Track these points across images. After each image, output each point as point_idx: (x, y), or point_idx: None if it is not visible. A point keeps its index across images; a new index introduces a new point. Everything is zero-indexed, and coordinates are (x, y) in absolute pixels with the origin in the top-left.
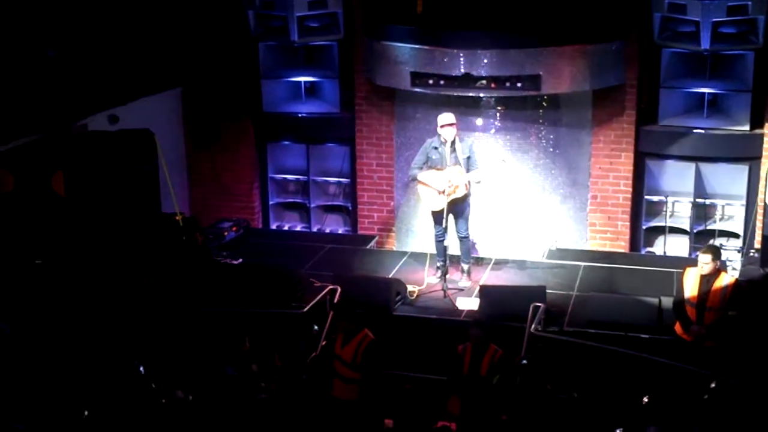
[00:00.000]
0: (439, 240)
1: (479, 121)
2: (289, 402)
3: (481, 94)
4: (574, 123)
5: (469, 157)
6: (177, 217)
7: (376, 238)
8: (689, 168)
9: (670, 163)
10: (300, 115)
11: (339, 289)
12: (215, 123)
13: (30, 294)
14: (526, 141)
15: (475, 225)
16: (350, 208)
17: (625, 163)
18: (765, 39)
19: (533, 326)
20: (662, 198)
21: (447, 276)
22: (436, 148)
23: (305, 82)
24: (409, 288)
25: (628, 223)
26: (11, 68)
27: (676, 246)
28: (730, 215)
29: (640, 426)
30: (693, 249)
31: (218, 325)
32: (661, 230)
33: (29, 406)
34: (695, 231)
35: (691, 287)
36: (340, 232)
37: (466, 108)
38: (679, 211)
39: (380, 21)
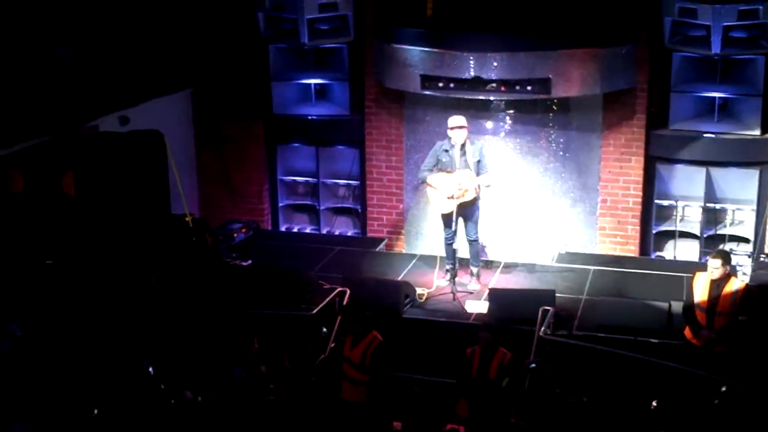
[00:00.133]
0: (449, 243)
1: (489, 125)
2: (297, 404)
3: (491, 98)
4: (585, 126)
5: (479, 161)
6: (187, 219)
7: (386, 241)
8: (700, 172)
9: (680, 167)
10: (310, 117)
11: (348, 292)
12: (225, 125)
13: (40, 294)
14: (536, 144)
15: (484, 228)
16: (359, 210)
17: (635, 167)
18: None
19: (542, 330)
20: (672, 202)
21: (456, 279)
22: (446, 150)
23: (315, 84)
24: (418, 291)
25: (638, 228)
26: (22, 69)
27: (686, 250)
28: (741, 220)
29: (650, 430)
30: (703, 254)
31: (227, 327)
32: (671, 235)
33: (39, 406)
34: (705, 236)
35: (701, 292)
36: (349, 234)
37: (476, 111)
38: (690, 216)
39: (390, 24)
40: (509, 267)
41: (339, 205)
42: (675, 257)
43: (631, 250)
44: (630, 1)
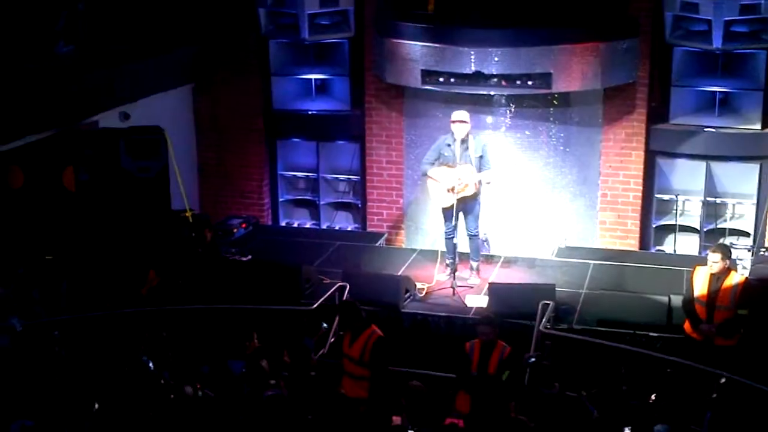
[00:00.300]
0: (449, 237)
1: (490, 119)
2: (297, 399)
3: (492, 92)
4: (585, 121)
5: (481, 156)
6: (187, 214)
7: (386, 236)
8: (700, 167)
9: (680, 161)
10: (310, 112)
11: (348, 287)
12: (226, 120)
13: (40, 289)
14: (536, 139)
15: (485, 222)
16: (360, 205)
17: (635, 162)
18: None
19: (542, 324)
20: (673, 196)
21: (456, 273)
22: (448, 145)
23: (315, 79)
24: (419, 285)
25: (638, 222)
26: (22, 64)
27: (686, 244)
28: (741, 214)
29: (649, 425)
30: (703, 248)
31: (227, 322)
32: (671, 229)
33: (38, 402)
34: (705, 230)
35: (700, 286)
36: (349, 229)
37: (477, 106)
38: (690, 210)
39: (391, 18)
40: (509, 261)
41: (339, 200)
42: (675, 251)
43: (631, 244)
44: None
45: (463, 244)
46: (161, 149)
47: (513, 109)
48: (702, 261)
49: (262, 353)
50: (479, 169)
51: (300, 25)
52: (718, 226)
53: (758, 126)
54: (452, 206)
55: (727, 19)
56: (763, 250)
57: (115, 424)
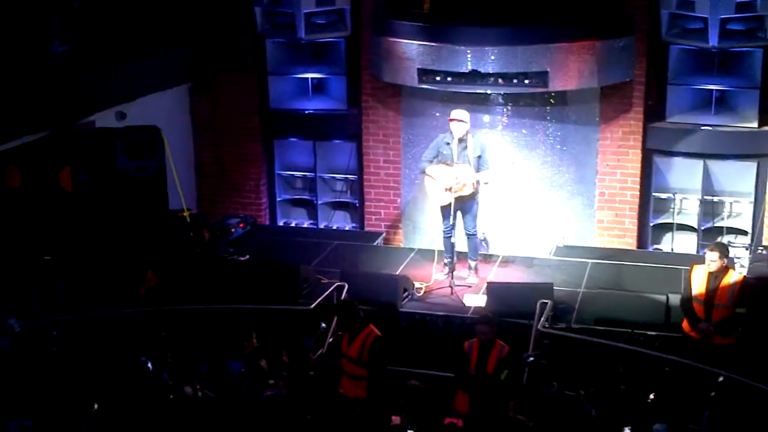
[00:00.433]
0: (447, 236)
1: (486, 118)
2: (296, 399)
3: (489, 91)
4: (582, 120)
5: (480, 156)
6: (184, 214)
7: (383, 235)
8: (697, 165)
9: (677, 160)
10: (307, 111)
11: (346, 286)
12: (222, 119)
13: (38, 290)
14: (533, 138)
15: (482, 222)
16: (357, 204)
17: (632, 160)
18: None
19: (540, 323)
20: (670, 195)
21: (454, 272)
22: (447, 143)
23: (312, 78)
24: (416, 285)
25: (635, 220)
26: (19, 64)
27: (683, 243)
28: (738, 212)
29: (648, 424)
30: (701, 246)
31: (225, 322)
32: (668, 227)
33: (37, 402)
34: (703, 228)
35: (698, 284)
36: (347, 228)
37: (474, 105)
38: (687, 208)
39: (387, 17)
40: (507, 260)
41: (337, 200)
42: (673, 250)
43: (629, 243)
44: None
45: (461, 244)
46: (158, 149)
47: (510, 108)
48: (700, 259)
49: (260, 353)
50: (477, 169)
51: (296, 24)
52: (716, 225)
53: (755, 124)
54: (450, 205)
55: (723, 17)
56: (761, 248)
57: (113, 424)
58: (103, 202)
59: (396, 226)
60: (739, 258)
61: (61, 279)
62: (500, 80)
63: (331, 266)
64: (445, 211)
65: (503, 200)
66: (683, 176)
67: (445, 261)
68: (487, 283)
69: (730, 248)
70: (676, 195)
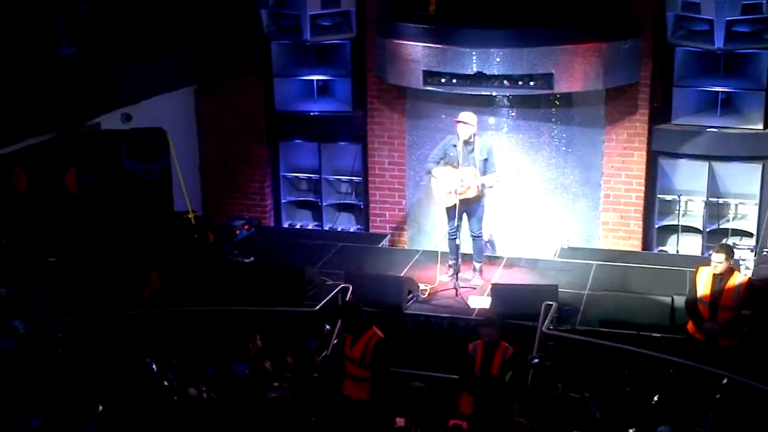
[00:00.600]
0: (452, 238)
1: (492, 120)
2: (300, 400)
3: (494, 93)
4: (587, 121)
5: (486, 159)
6: (189, 216)
7: (388, 237)
8: (702, 167)
9: (683, 162)
10: (312, 113)
11: (351, 288)
12: (228, 121)
13: (43, 291)
14: (538, 139)
15: (487, 224)
16: (362, 206)
17: (637, 162)
18: None
19: (545, 325)
20: (675, 197)
21: (459, 274)
22: (454, 145)
23: (317, 80)
24: (421, 286)
25: (640, 222)
26: (25, 67)
27: (688, 245)
28: (743, 214)
29: (652, 426)
30: (706, 248)
31: (230, 324)
32: (673, 229)
33: (45, 402)
34: (708, 230)
35: (703, 286)
36: (351, 230)
37: (479, 107)
38: (692, 210)
39: (393, 19)
40: (512, 262)
41: (341, 201)
42: (678, 252)
43: (634, 244)
44: None
45: (466, 245)
46: (163, 151)
47: (515, 110)
48: (705, 261)
49: (265, 355)
50: (484, 172)
51: (302, 26)
52: (721, 227)
53: (761, 126)
54: (455, 207)
55: (728, 18)
56: (766, 250)
57: (118, 426)
58: (108, 204)
59: (401, 228)
60: (744, 260)
61: (66, 280)
62: (505, 82)
63: (335, 268)
64: (451, 212)
65: (508, 202)
66: (688, 178)
67: (450, 263)
68: (492, 284)
69: (735, 250)
70: (681, 197)
